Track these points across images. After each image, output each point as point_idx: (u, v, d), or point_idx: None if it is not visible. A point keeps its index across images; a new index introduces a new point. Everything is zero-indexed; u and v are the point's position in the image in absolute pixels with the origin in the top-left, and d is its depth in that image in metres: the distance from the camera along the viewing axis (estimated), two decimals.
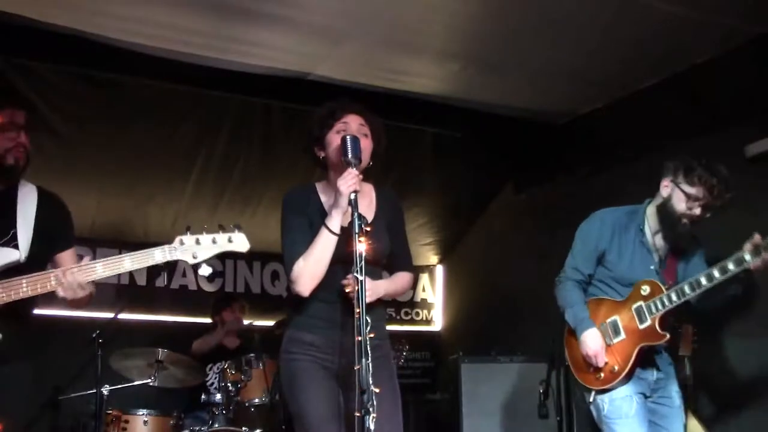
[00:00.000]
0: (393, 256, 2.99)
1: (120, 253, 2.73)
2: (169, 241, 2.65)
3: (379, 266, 2.90)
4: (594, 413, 3.45)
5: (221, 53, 4.46)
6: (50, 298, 2.99)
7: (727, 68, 4.41)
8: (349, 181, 2.62)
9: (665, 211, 3.37)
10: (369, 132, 2.88)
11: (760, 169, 4.22)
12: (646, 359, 3.38)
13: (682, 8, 3.98)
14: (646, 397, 3.41)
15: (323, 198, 2.88)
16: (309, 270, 2.72)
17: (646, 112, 4.88)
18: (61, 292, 2.65)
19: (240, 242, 2.65)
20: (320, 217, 2.76)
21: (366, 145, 2.82)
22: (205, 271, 2.65)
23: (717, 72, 4.48)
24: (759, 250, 3.11)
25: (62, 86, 4.70)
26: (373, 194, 2.96)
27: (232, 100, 5.18)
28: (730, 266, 3.16)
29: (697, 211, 3.29)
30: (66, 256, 2.93)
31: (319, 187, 2.94)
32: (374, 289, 2.73)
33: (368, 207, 2.91)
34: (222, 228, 2.64)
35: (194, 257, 2.61)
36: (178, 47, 4.37)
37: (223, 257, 6.47)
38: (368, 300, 2.59)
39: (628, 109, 5.07)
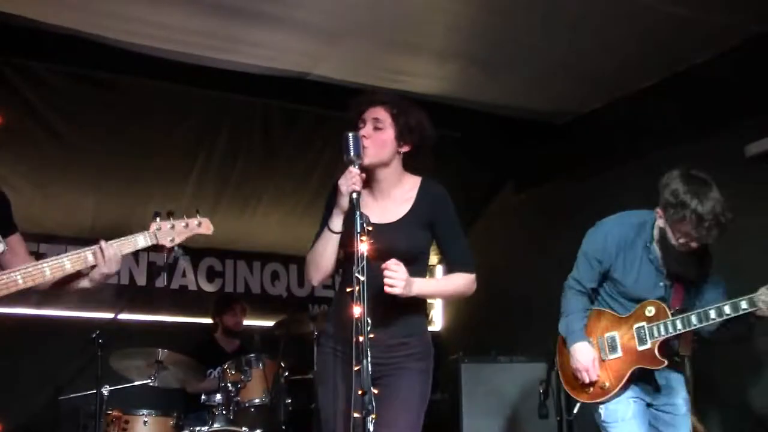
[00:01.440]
0: (444, 257, 2.92)
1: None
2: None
3: (413, 264, 2.75)
4: (596, 418, 3.34)
5: (221, 53, 4.46)
6: (49, 298, 3.00)
7: (727, 68, 4.41)
8: (349, 180, 2.60)
9: (665, 244, 3.16)
10: (386, 123, 2.80)
11: (760, 169, 4.22)
12: (642, 378, 3.25)
13: (682, 8, 3.98)
14: (647, 404, 3.28)
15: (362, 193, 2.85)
16: (311, 262, 2.81)
17: (646, 112, 4.87)
18: (104, 269, 2.69)
19: (206, 226, 2.91)
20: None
21: (379, 138, 2.77)
22: (179, 252, 2.79)
23: (717, 72, 4.48)
24: None
25: (62, 86, 4.70)
26: (416, 189, 2.87)
27: (232, 100, 5.17)
28: (743, 305, 3.01)
29: (694, 244, 3.06)
30: (14, 241, 2.85)
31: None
32: (407, 285, 2.63)
33: (403, 202, 2.83)
34: (185, 216, 2.87)
35: (171, 241, 2.81)
36: (178, 47, 4.36)
37: (223, 257, 6.59)
38: (397, 293, 2.60)
39: (628, 109, 5.07)
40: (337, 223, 2.71)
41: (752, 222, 3.52)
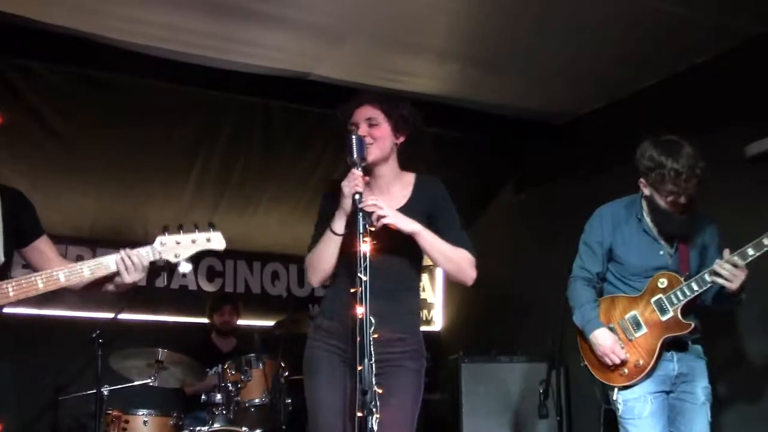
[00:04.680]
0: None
1: None
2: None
3: (408, 255, 2.78)
4: (615, 413, 3.37)
5: (221, 53, 4.46)
6: (57, 298, 3.03)
7: (727, 68, 4.41)
8: (351, 182, 2.62)
9: (655, 209, 3.34)
10: (379, 119, 2.83)
11: (760, 169, 4.22)
12: (672, 348, 3.32)
13: (682, 8, 3.98)
14: (668, 393, 3.32)
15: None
16: (312, 263, 2.83)
17: (646, 112, 4.87)
18: (127, 279, 2.66)
19: (217, 241, 2.75)
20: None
21: (377, 134, 2.81)
22: (185, 268, 2.76)
23: (717, 72, 4.48)
24: None
25: (62, 86, 4.69)
26: (412, 184, 2.91)
27: (232, 100, 5.16)
28: (750, 251, 3.18)
29: (682, 199, 3.23)
30: (41, 244, 2.87)
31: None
32: (397, 215, 2.65)
33: (401, 198, 2.87)
34: (197, 228, 2.74)
35: (176, 256, 2.71)
36: (178, 47, 4.36)
37: (223, 257, 6.59)
38: (388, 221, 2.61)
39: (628, 109, 5.07)
40: (339, 225, 2.73)
41: (752, 222, 3.51)
